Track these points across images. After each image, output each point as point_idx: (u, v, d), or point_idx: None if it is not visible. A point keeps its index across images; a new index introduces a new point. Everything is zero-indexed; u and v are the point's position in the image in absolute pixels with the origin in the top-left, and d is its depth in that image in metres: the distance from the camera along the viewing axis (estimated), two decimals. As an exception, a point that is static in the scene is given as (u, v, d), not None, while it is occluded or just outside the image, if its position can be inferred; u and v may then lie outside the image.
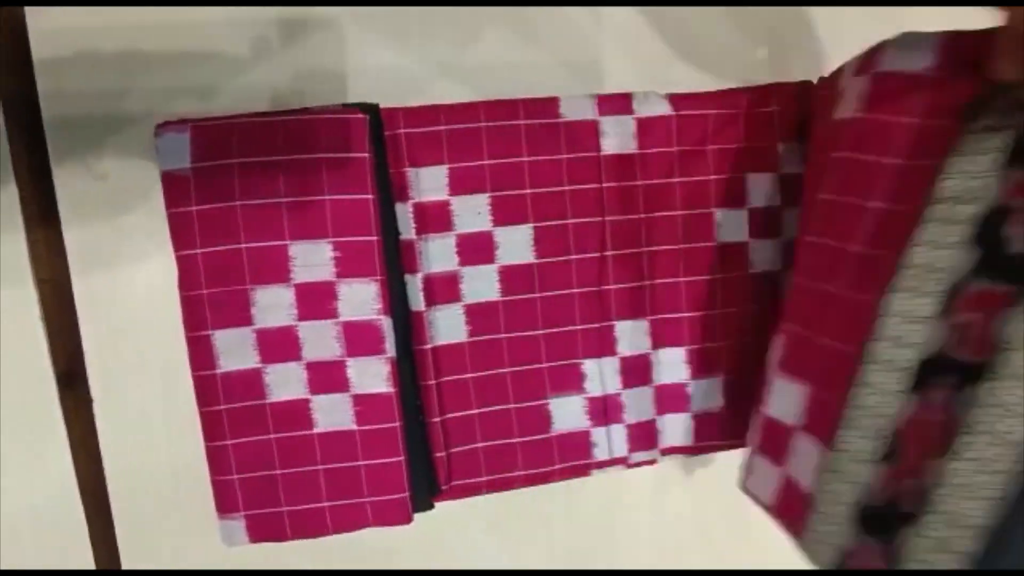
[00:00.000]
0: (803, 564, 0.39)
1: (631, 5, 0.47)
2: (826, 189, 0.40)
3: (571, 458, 0.47)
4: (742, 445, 0.49)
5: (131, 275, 0.43)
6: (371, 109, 0.41)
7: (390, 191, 0.43)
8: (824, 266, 0.39)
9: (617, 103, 0.45)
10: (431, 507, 0.45)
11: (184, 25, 0.41)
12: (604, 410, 0.47)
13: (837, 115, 0.40)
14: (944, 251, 0.32)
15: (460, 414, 0.46)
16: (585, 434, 0.47)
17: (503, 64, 0.46)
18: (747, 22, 0.50)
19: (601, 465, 0.48)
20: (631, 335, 0.47)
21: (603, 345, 0.47)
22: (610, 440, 0.48)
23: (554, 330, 0.46)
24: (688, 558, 0.55)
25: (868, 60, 0.38)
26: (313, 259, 0.41)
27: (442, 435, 0.45)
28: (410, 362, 0.44)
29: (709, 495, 0.54)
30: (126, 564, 0.45)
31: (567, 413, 0.47)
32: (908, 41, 0.36)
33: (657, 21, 0.48)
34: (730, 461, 0.47)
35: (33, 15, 0.39)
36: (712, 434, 0.49)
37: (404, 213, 0.43)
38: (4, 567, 0.43)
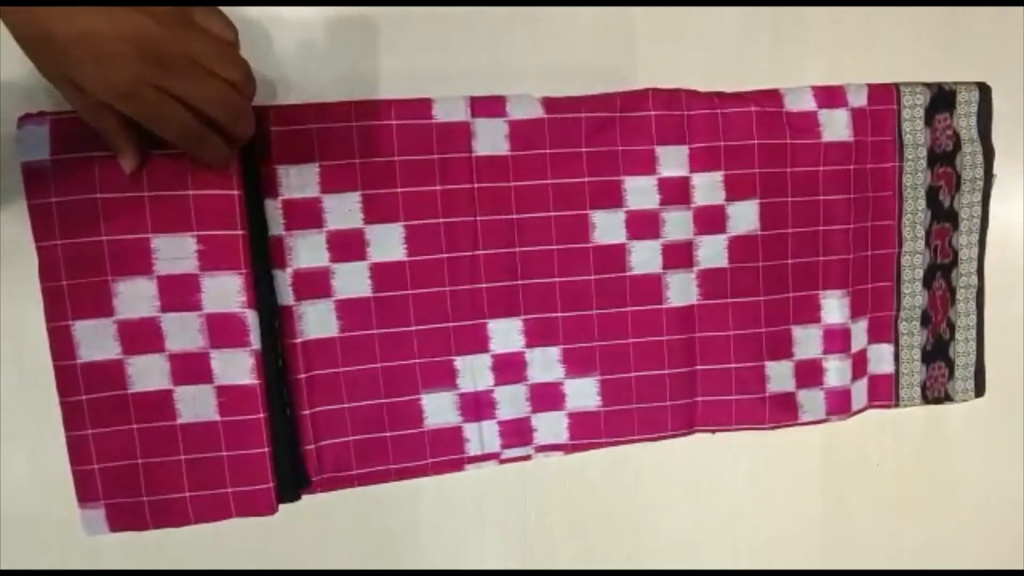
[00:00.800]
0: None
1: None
2: None
3: (443, 452, 0.48)
4: (620, 443, 0.50)
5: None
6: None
7: (258, 187, 0.43)
8: None
9: (490, 105, 0.46)
10: (298, 498, 0.46)
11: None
12: (476, 406, 0.48)
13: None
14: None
15: (330, 407, 0.46)
16: (457, 429, 0.48)
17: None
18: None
19: (473, 460, 0.49)
20: (504, 333, 0.48)
21: (475, 342, 0.48)
22: (482, 435, 0.48)
23: (426, 327, 0.47)
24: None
25: None
26: (176, 252, 0.42)
27: (311, 428, 0.46)
28: (279, 356, 0.45)
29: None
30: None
31: (439, 408, 0.48)
32: None
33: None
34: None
35: None
36: (590, 432, 0.50)
37: (273, 209, 0.44)
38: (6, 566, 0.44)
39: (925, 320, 0.54)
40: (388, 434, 0.47)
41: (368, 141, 0.44)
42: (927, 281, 0.54)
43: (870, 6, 0.51)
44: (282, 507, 0.45)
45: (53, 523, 0.43)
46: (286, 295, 0.45)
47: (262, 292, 0.44)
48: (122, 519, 0.43)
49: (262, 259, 0.44)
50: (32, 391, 0.42)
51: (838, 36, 0.51)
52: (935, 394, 0.55)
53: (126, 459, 0.43)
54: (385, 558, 0.49)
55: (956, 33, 0.53)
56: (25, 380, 0.42)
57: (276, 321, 0.44)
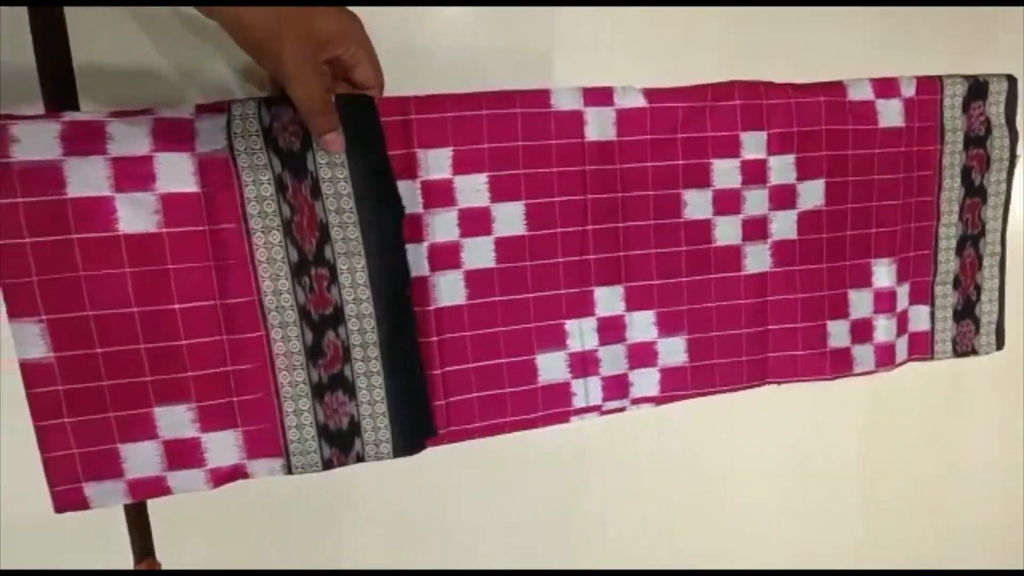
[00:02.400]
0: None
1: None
2: None
3: (553, 406, 0.54)
4: (702, 394, 0.57)
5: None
6: (365, 100, 0.46)
7: (401, 170, 0.48)
8: None
9: (600, 96, 0.51)
10: (424, 447, 0.51)
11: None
12: (583, 364, 0.54)
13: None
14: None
15: (458, 368, 0.52)
16: (566, 385, 0.54)
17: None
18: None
19: (578, 412, 0.55)
20: (608, 299, 0.54)
21: (583, 307, 0.54)
22: (587, 390, 0.55)
23: (541, 294, 0.53)
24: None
25: None
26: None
27: (442, 386, 0.51)
28: (415, 321, 0.50)
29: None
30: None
31: (551, 366, 0.54)
32: None
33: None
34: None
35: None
36: (678, 385, 0.56)
37: (412, 190, 0.49)
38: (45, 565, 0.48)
39: (956, 284, 0.62)
40: (507, 390, 0.53)
41: (495, 127, 0.50)
42: (959, 250, 0.62)
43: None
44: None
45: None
46: (421, 266, 0.50)
47: (400, 265, 0.48)
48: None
49: (397, 237, 0.48)
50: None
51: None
52: (963, 348, 0.63)
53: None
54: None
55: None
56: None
57: (407, 290, 0.49)
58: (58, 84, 0.44)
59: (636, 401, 0.56)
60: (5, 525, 0.48)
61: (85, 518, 0.47)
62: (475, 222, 0.51)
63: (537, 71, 0.52)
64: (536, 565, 0.58)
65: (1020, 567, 0.69)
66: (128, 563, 0.49)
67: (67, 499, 0.46)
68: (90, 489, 0.46)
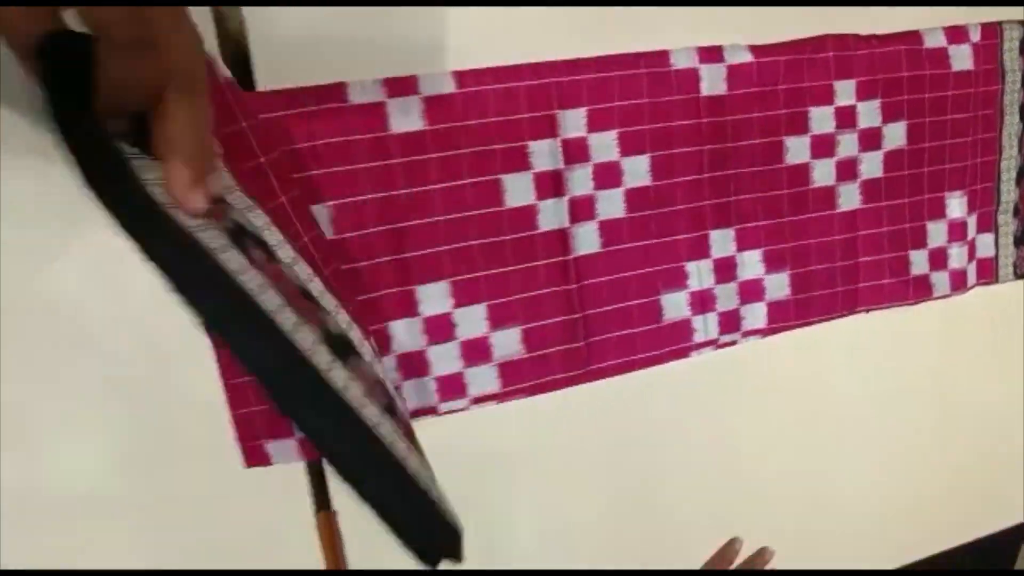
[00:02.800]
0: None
1: None
2: None
3: (676, 342, 0.60)
4: (804, 325, 0.62)
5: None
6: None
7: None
8: None
9: (712, 53, 0.56)
10: (576, 384, 0.56)
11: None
12: (702, 301, 0.59)
13: None
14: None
15: (595, 311, 0.57)
16: (687, 322, 0.60)
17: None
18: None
19: (697, 347, 0.60)
20: (721, 241, 0.59)
21: (701, 249, 0.59)
22: (706, 326, 0.60)
23: (665, 239, 0.58)
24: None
25: None
26: None
27: (582, 328, 0.56)
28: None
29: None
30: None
31: (674, 305, 0.59)
32: None
33: None
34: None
35: None
36: (783, 317, 0.62)
37: (554, 147, 0.53)
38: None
39: (1015, 212, 0.68)
40: (637, 330, 0.58)
41: (624, 87, 0.54)
42: (1018, 180, 0.68)
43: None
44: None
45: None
46: (563, 219, 0.54)
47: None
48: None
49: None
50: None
51: None
52: (1023, 271, 0.69)
53: None
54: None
55: None
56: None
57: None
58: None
59: (747, 334, 0.62)
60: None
61: (273, 470, 0.51)
62: (607, 175, 0.55)
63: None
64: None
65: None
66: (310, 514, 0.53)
67: (253, 455, 0.50)
68: (270, 446, 0.50)
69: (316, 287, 0.39)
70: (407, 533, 0.29)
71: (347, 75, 0.47)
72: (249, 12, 0.47)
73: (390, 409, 0.36)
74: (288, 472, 0.52)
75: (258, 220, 0.36)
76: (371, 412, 0.32)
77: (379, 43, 0.52)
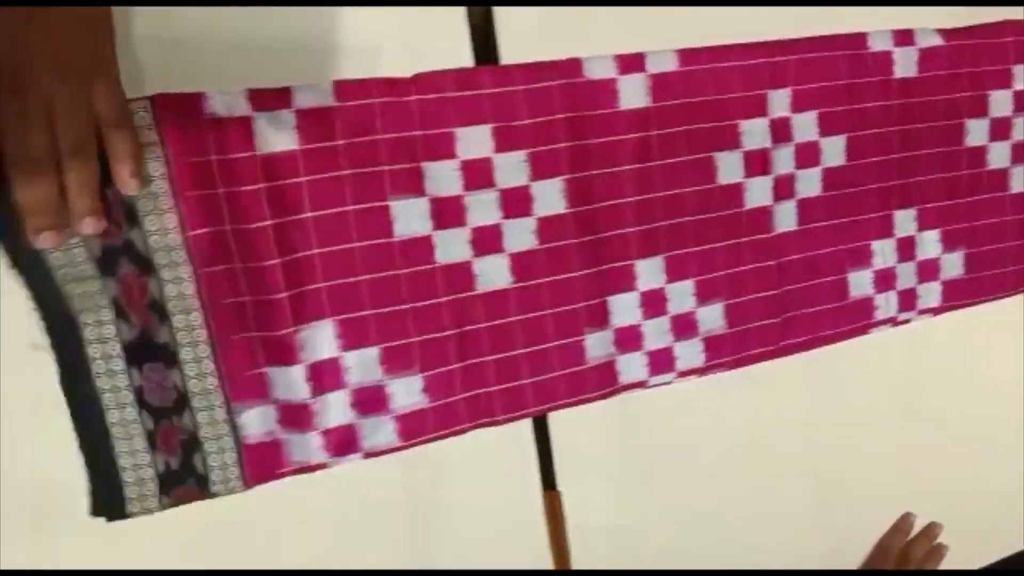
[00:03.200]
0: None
1: None
2: None
3: (860, 319, 0.61)
4: (975, 303, 0.64)
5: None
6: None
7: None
8: None
9: (904, 37, 0.58)
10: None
11: None
12: (885, 280, 0.61)
13: None
14: None
15: (790, 288, 0.58)
16: (870, 299, 0.61)
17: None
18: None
19: (877, 324, 0.62)
20: (903, 221, 0.61)
21: (886, 229, 0.60)
22: (888, 303, 0.61)
23: (855, 218, 0.59)
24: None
25: None
26: None
27: (779, 306, 0.58)
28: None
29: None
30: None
31: (860, 283, 0.60)
32: None
33: None
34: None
35: None
36: (959, 295, 0.63)
37: (763, 126, 0.55)
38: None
39: None
40: (825, 307, 0.60)
41: (825, 69, 0.56)
42: None
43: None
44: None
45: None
46: (768, 197, 0.56)
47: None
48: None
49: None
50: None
51: None
52: None
53: None
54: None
55: None
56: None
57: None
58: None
59: (921, 312, 0.63)
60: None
61: (499, 448, 0.53)
62: (808, 155, 0.57)
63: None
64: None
65: None
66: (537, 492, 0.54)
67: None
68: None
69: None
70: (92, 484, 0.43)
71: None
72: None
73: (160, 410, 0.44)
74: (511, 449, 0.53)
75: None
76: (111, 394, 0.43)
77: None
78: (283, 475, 0.47)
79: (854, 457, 0.64)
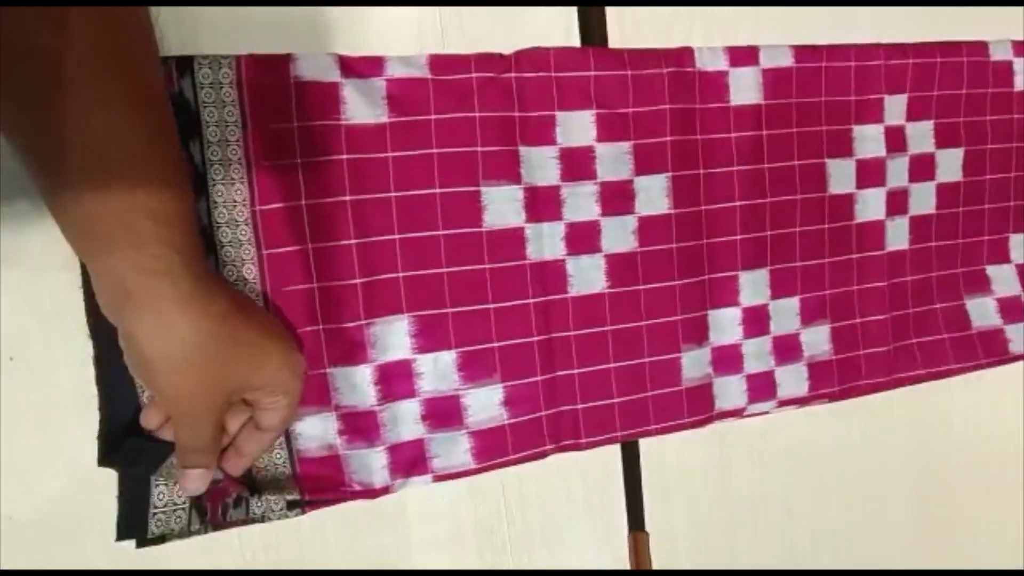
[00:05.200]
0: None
1: None
2: None
3: (991, 354, 0.55)
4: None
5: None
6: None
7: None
8: None
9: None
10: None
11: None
12: (1011, 309, 0.55)
13: None
14: None
15: (902, 313, 0.52)
16: (1000, 331, 0.55)
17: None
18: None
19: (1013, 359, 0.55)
20: (1019, 245, 0.55)
21: (1002, 253, 0.55)
22: (1020, 336, 0.55)
23: (970, 240, 0.54)
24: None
25: None
26: None
27: (891, 331, 0.52)
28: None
29: None
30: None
31: (981, 312, 0.55)
32: None
33: None
34: None
35: None
36: None
37: (877, 133, 0.50)
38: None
39: None
40: (943, 336, 0.53)
41: (945, 76, 0.51)
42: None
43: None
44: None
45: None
46: (880, 211, 0.51)
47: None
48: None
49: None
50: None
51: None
52: None
53: None
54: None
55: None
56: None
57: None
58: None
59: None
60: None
61: (588, 486, 0.46)
62: (923, 168, 0.52)
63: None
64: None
65: None
66: (623, 532, 0.48)
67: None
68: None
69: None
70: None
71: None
72: None
73: None
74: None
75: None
76: None
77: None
78: (342, 498, 0.41)
79: (965, 502, 0.57)
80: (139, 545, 0.37)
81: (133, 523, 0.37)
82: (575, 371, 0.44)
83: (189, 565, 0.39)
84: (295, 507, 0.40)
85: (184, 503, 0.38)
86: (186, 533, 0.38)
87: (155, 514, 0.37)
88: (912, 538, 0.55)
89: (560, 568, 0.46)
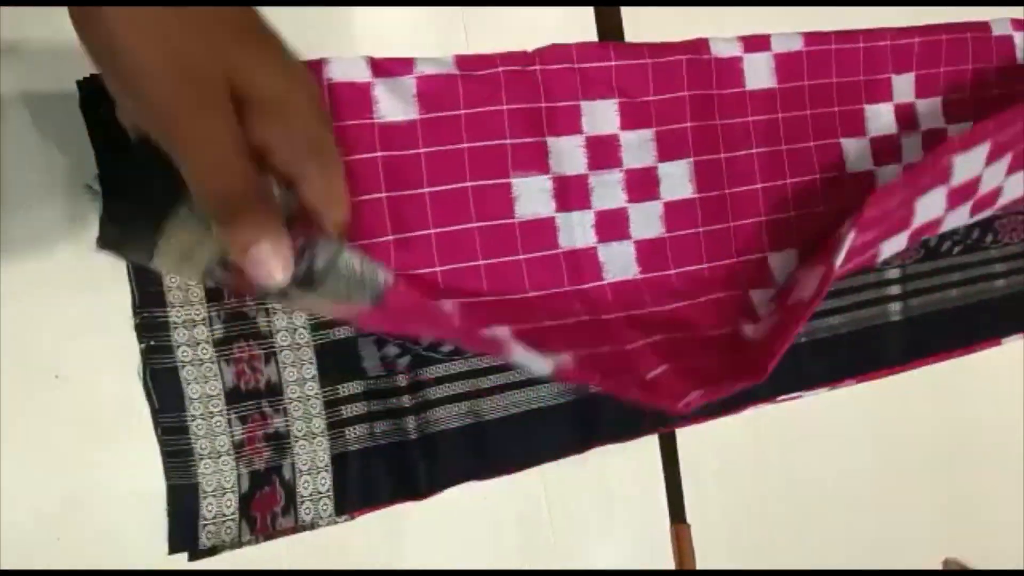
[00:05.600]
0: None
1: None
2: None
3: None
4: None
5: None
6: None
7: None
8: None
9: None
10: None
11: None
12: None
13: None
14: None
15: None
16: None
17: None
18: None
19: None
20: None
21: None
22: None
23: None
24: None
25: None
26: None
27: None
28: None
29: None
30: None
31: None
32: None
33: None
34: None
35: None
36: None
37: (887, 111, 0.51)
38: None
39: None
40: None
41: (951, 53, 0.52)
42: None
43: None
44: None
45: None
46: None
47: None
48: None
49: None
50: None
51: None
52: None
53: None
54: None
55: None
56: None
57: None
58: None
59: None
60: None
61: (628, 481, 0.46)
62: (936, 144, 0.52)
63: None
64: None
65: None
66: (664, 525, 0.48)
67: None
68: None
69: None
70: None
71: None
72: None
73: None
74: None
75: None
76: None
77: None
78: (391, 502, 0.41)
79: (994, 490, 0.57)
80: (191, 558, 0.37)
81: (185, 536, 0.36)
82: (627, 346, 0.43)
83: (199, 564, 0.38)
84: (342, 512, 0.39)
85: (233, 514, 0.37)
86: (237, 544, 0.38)
87: (205, 526, 0.37)
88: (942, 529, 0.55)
89: (602, 569, 0.46)
